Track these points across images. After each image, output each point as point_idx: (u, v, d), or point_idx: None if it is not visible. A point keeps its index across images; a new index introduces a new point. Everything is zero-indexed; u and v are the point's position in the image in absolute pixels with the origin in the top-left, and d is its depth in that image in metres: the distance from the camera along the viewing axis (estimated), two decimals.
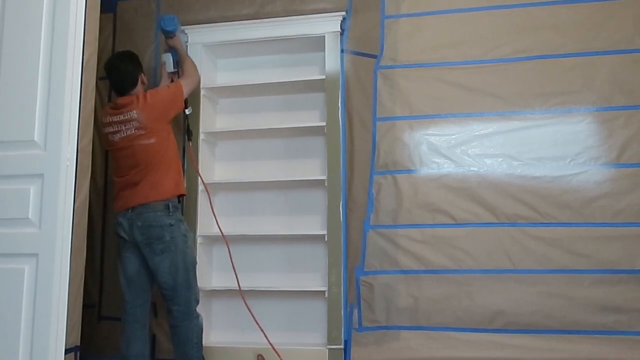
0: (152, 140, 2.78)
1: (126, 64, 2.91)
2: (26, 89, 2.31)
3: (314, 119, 3.35)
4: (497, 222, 2.94)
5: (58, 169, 2.24)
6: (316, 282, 3.19)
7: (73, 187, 2.31)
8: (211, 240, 3.32)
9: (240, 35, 3.32)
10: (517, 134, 3.00)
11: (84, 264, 2.67)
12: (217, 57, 3.55)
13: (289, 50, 3.42)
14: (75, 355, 2.57)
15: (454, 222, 2.98)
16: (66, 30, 2.31)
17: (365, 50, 3.23)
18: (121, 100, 2.84)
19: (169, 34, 3.11)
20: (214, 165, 3.46)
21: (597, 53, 2.98)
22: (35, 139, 2.27)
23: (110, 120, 2.82)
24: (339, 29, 3.23)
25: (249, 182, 3.32)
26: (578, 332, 2.79)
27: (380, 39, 3.21)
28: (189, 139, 3.20)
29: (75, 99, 2.33)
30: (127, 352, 2.76)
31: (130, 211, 2.74)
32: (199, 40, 3.36)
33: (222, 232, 3.10)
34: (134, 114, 2.76)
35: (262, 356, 3.01)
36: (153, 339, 3.15)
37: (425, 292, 2.95)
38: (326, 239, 3.07)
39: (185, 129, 3.23)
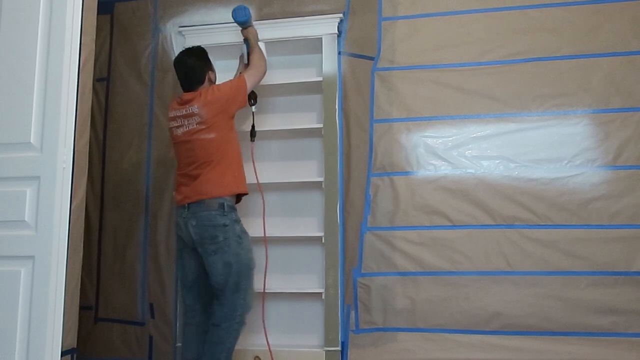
0: (212, 135, 2.73)
1: (194, 61, 2.88)
2: (23, 91, 2.31)
3: (311, 120, 3.35)
4: (494, 224, 2.95)
5: (54, 171, 2.23)
6: (313, 283, 3.19)
7: (69, 189, 2.31)
8: None
9: (238, 36, 3.32)
10: (514, 136, 3.01)
11: (81, 265, 2.66)
12: (215, 59, 3.49)
13: (286, 51, 3.41)
14: (72, 357, 2.56)
15: (450, 224, 2.98)
16: (63, 32, 2.31)
17: (362, 52, 3.23)
18: (186, 95, 2.82)
19: (240, 25, 3.08)
20: None
21: (593, 55, 2.98)
22: (32, 141, 2.26)
23: (175, 114, 2.81)
24: (336, 31, 3.23)
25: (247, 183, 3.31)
26: (575, 333, 2.80)
27: (377, 40, 3.21)
28: (252, 140, 3.14)
29: (71, 101, 2.33)
30: (184, 355, 2.75)
31: (186, 210, 2.71)
32: (196, 42, 3.34)
33: (265, 234, 3.08)
34: (196, 108, 2.74)
35: (259, 358, 3.01)
36: (150, 340, 3.15)
37: (422, 293, 2.95)
38: (323, 241, 3.07)
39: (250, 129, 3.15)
